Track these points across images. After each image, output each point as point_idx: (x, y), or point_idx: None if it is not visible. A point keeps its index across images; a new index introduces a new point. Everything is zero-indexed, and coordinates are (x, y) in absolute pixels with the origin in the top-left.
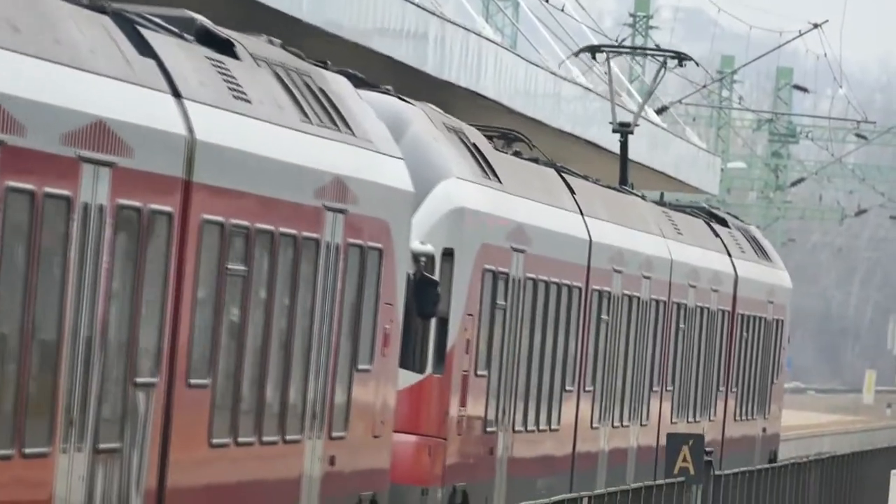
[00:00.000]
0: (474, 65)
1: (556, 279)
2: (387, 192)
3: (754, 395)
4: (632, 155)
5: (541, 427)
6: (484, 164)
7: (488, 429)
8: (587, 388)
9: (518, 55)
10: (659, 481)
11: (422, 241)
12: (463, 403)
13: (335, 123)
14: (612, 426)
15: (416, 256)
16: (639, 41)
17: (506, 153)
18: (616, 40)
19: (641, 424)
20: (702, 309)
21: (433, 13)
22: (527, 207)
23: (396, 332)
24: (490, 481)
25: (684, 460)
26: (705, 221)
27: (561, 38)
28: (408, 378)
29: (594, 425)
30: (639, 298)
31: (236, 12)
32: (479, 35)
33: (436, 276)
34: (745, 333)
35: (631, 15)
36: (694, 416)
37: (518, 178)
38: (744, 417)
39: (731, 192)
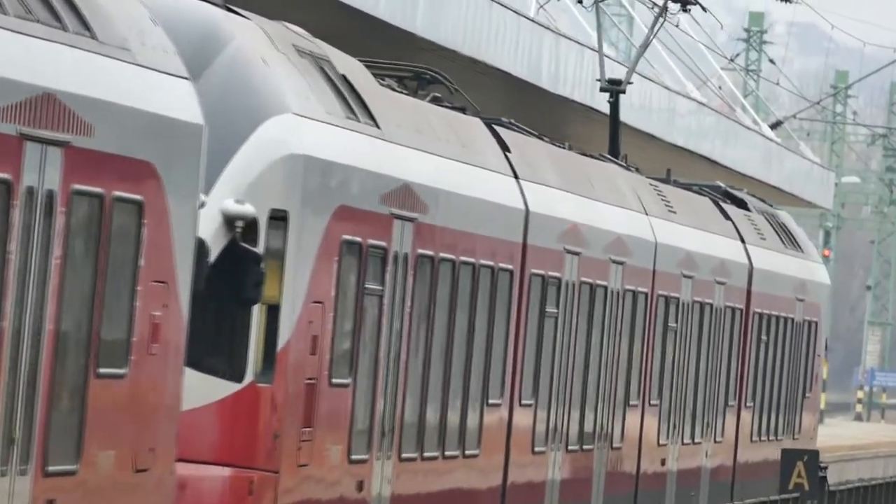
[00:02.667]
0: (589, 80)
1: (470, 258)
2: (153, 123)
3: (778, 411)
4: (745, 170)
5: (447, 453)
6: (353, 103)
7: (354, 456)
8: (525, 402)
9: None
10: (773, 497)
11: (238, 198)
12: (308, 423)
13: (57, 19)
14: (567, 450)
15: (229, 220)
16: (752, 56)
17: (413, 96)
18: (730, 57)
19: (612, 447)
20: (702, 305)
21: (548, 28)
22: (421, 162)
23: (176, 321)
24: None
25: (799, 476)
26: (713, 201)
27: (675, 53)
28: (217, 388)
29: (538, 449)
30: (605, 288)
31: (351, 27)
32: (593, 50)
33: (258, 248)
34: (763, 336)
35: (745, 30)
36: (692, 436)
37: (411, 124)
38: (764, 437)
39: (846, 206)
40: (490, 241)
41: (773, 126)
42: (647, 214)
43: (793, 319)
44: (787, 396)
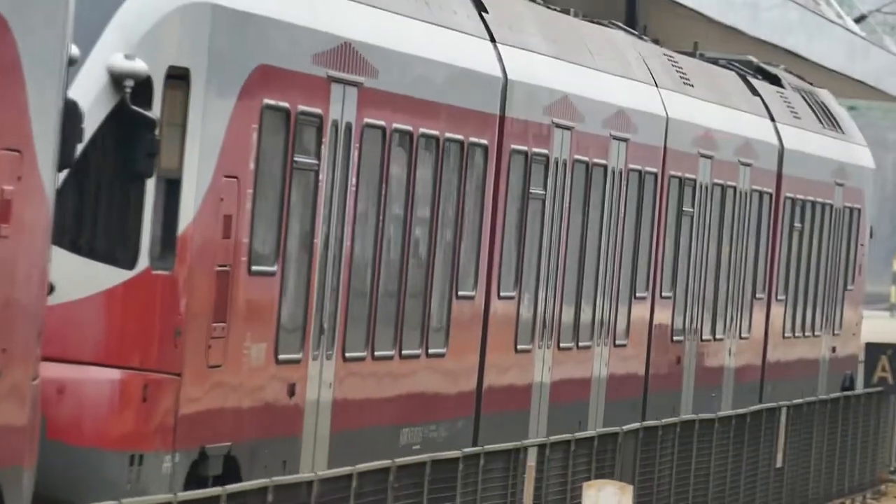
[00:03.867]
0: None
1: (432, 130)
2: None
3: (816, 306)
4: (825, 61)
5: (405, 352)
6: None
7: (283, 356)
8: (505, 294)
9: None
10: (857, 391)
11: (128, 53)
12: (221, 317)
13: None
14: (559, 348)
15: (117, 78)
16: None
17: None
18: None
19: (615, 345)
20: (724, 188)
21: None
22: (366, 18)
23: (35, 197)
24: (291, 438)
25: (883, 370)
26: (741, 75)
27: None
28: (105, 276)
29: (521, 347)
30: (605, 167)
31: None
32: None
33: (153, 112)
34: (797, 223)
35: None
36: (713, 331)
37: None
38: (799, 334)
39: None
40: (459, 112)
41: (858, 20)
42: (657, 87)
43: (831, 205)
44: (826, 289)
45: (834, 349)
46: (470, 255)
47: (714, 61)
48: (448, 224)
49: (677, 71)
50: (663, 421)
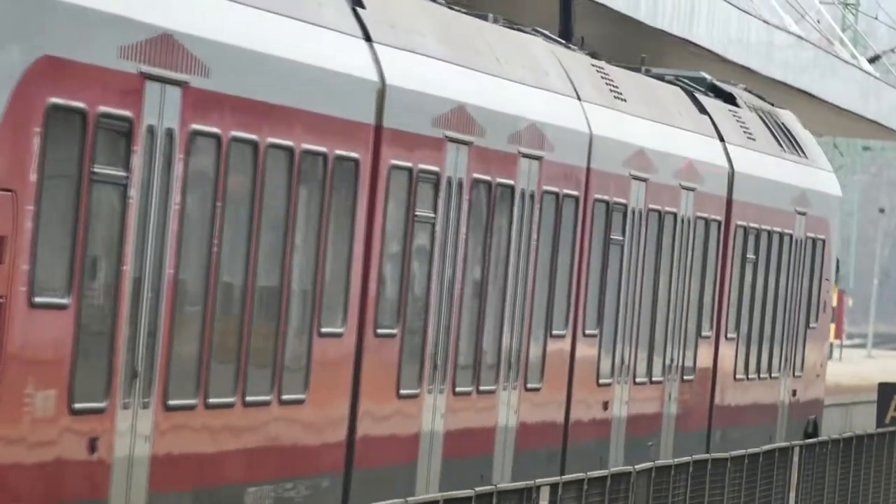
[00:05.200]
0: (687, 13)
1: (284, 140)
2: None
3: (773, 345)
4: (839, 101)
5: (250, 399)
6: None
7: (80, 405)
8: (383, 331)
9: (731, 3)
10: (870, 431)
11: None
12: None
13: None
14: (455, 392)
15: None
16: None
17: None
18: None
19: (527, 388)
20: (661, 214)
21: None
22: (193, 5)
23: None
24: (93, 502)
25: None
26: (688, 91)
27: None
28: None
29: (405, 391)
30: (513, 188)
31: None
32: None
33: None
34: (750, 255)
35: None
36: (648, 373)
37: None
38: (753, 376)
39: None
40: (321, 120)
41: (872, 60)
42: (579, 99)
43: (791, 236)
44: (785, 327)
45: (794, 392)
46: (336, 286)
47: (660, 77)
48: (307, 250)
49: (607, 83)
50: (676, 460)
